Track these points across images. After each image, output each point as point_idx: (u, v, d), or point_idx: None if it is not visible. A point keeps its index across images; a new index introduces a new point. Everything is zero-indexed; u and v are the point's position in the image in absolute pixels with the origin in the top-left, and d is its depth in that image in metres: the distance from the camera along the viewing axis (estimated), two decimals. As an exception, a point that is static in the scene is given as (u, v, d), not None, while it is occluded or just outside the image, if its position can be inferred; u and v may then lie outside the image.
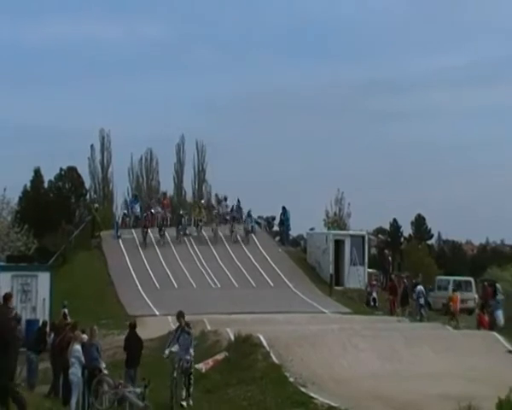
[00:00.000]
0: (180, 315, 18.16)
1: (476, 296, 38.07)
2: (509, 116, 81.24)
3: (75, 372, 17.04)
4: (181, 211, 40.91)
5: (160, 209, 43.22)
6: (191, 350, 17.81)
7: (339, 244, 38.31)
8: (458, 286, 38.48)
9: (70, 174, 56.24)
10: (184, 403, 17.40)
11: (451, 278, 40.09)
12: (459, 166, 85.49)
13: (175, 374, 17.44)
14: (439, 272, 49.55)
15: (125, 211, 44.09)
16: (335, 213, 52.37)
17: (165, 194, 50.54)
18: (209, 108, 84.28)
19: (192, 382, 17.75)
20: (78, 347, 17.30)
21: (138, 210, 42.91)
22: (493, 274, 47.61)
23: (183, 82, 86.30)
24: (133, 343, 18.46)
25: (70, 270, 36.22)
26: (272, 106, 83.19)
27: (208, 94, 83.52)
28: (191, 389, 17.71)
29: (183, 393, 17.61)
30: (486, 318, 30.10)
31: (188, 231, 40.61)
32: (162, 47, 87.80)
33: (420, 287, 33.77)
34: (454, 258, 63.32)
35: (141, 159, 57.90)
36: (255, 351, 21.26)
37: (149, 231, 39.10)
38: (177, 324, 18.31)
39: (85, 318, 25.20)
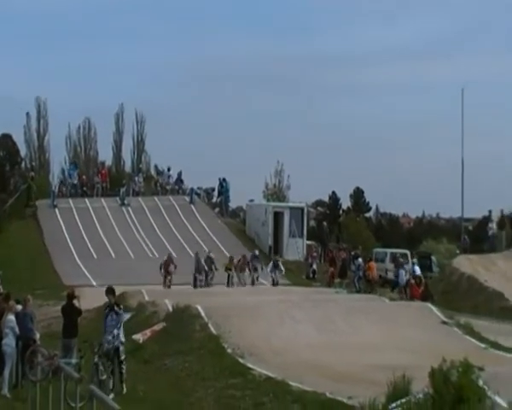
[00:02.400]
0: (109, 292, 16.48)
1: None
2: (448, 93, 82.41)
3: (9, 343, 16.74)
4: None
5: (98, 179, 42.70)
6: (116, 331, 16.06)
7: (278, 216, 38.48)
8: (395, 258, 39.05)
9: (4, 142, 55.06)
10: (112, 395, 14.64)
11: (388, 251, 40.62)
12: (397, 141, 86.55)
13: (96, 359, 15.79)
14: (377, 244, 50.13)
15: (62, 179, 43.46)
16: (275, 185, 52.50)
17: (103, 164, 49.93)
18: (149, 77, 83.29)
19: (124, 366, 16.12)
20: (11, 317, 16.98)
21: (76, 179, 42.32)
22: (428, 247, 48.45)
23: (122, 50, 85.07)
24: (68, 313, 18.17)
25: (4, 239, 35.60)
26: (214, 76, 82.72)
27: (148, 63, 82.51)
28: (124, 374, 16.07)
29: (110, 382, 15.76)
30: (420, 289, 30.70)
31: (126, 201, 40.23)
32: (101, 14, 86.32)
33: (360, 259, 34.21)
34: (391, 231, 64.13)
35: (79, 128, 57.06)
36: (193, 322, 21.22)
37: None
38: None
39: (20, 288, 24.78)
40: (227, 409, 15.55)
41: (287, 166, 53.42)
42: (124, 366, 16.19)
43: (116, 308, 16.31)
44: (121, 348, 16.23)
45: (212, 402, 15.90)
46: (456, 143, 43.12)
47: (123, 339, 16.35)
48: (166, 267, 30.43)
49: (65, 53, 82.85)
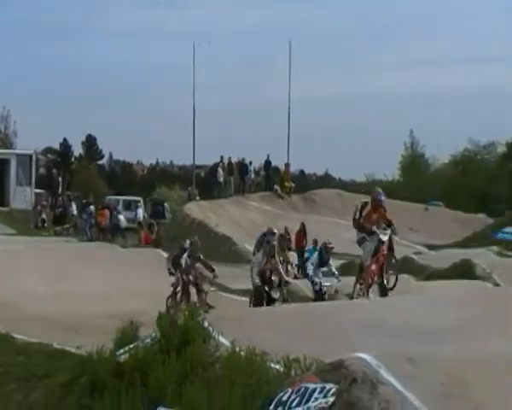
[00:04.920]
0: None
1: (145, 215, 38.97)
2: (183, 42, 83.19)
3: None
4: None
5: None
6: None
7: (4, 164, 37.14)
8: (128, 206, 39.05)
9: None
10: None
11: (121, 198, 40.53)
12: (126, 87, 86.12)
13: None
14: (110, 192, 49.84)
15: None
16: (0, 132, 50.08)
17: None
18: None
19: None
20: None
21: None
22: (162, 194, 49.13)
23: None
24: None
25: None
26: None
27: None
28: None
29: None
30: (152, 236, 31.15)
31: None
32: None
33: (92, 207, 33.94)
34: (125, 178, 64.19)
35: None
36: None
37: None
38: None
39: None
40: None
41: (13, 112, 51.15)
42: None
43: None
44: None
45: None
46: (188, 92, 43.58)
47: None
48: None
49: None
